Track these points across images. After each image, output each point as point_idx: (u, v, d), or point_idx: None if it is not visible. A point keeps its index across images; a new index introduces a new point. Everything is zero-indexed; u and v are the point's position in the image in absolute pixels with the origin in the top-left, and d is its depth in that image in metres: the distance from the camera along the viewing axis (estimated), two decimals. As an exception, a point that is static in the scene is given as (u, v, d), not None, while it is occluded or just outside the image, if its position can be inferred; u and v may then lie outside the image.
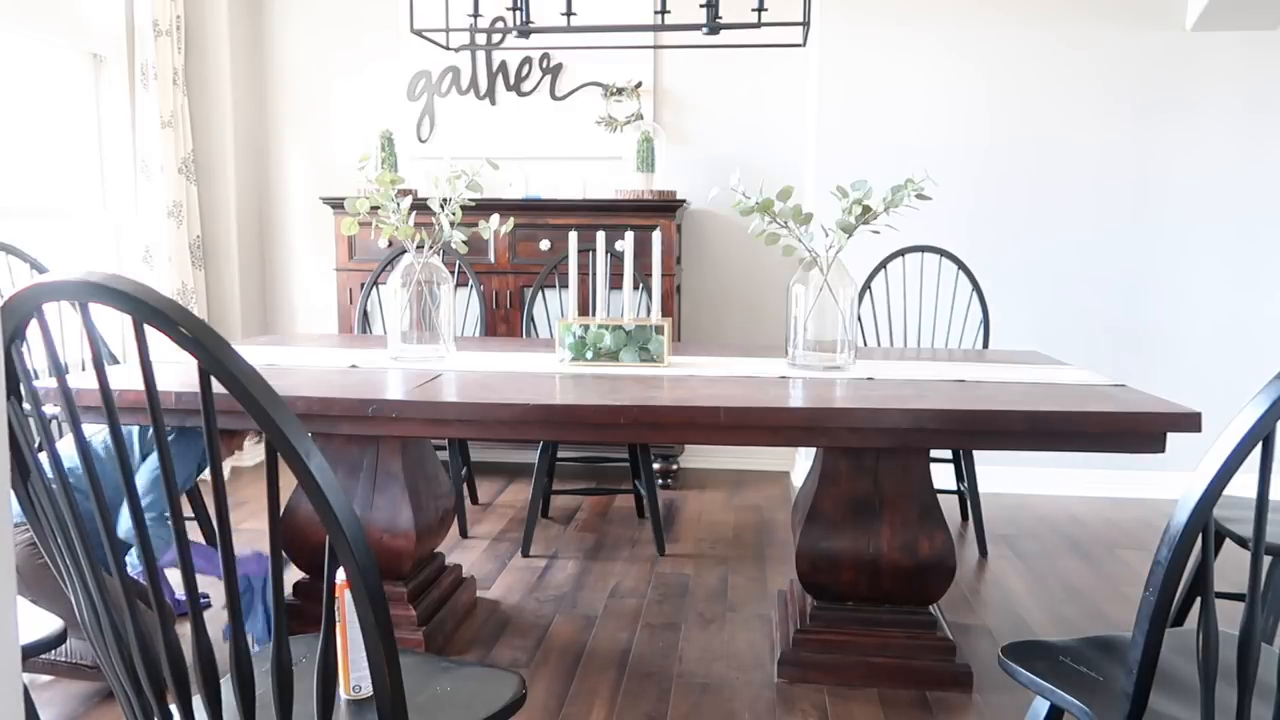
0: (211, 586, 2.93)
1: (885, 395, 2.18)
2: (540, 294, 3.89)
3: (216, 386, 0.89)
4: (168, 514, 1.64)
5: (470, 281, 3.88)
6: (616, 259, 3.49)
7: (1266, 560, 2.27)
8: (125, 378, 2.29)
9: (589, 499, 4.03)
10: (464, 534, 3.56)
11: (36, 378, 2.40)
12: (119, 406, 2.13)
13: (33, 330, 0.97)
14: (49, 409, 2.44)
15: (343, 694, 1.36)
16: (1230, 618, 2.72)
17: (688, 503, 4.03)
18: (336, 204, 4.16)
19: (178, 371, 2.39)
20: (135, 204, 4.08)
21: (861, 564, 2.36)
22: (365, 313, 3.72)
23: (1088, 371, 2.59)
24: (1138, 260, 4.06)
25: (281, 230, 4.70)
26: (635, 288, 2.73)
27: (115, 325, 3.96)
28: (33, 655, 1.46)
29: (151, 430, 1.47)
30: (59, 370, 0.98)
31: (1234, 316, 4.04)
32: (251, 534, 3.51)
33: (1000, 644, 2.45)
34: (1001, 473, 4.17)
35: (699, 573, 3.20)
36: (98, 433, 2.38)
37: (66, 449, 2.35)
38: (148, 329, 0.90)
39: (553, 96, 4.44)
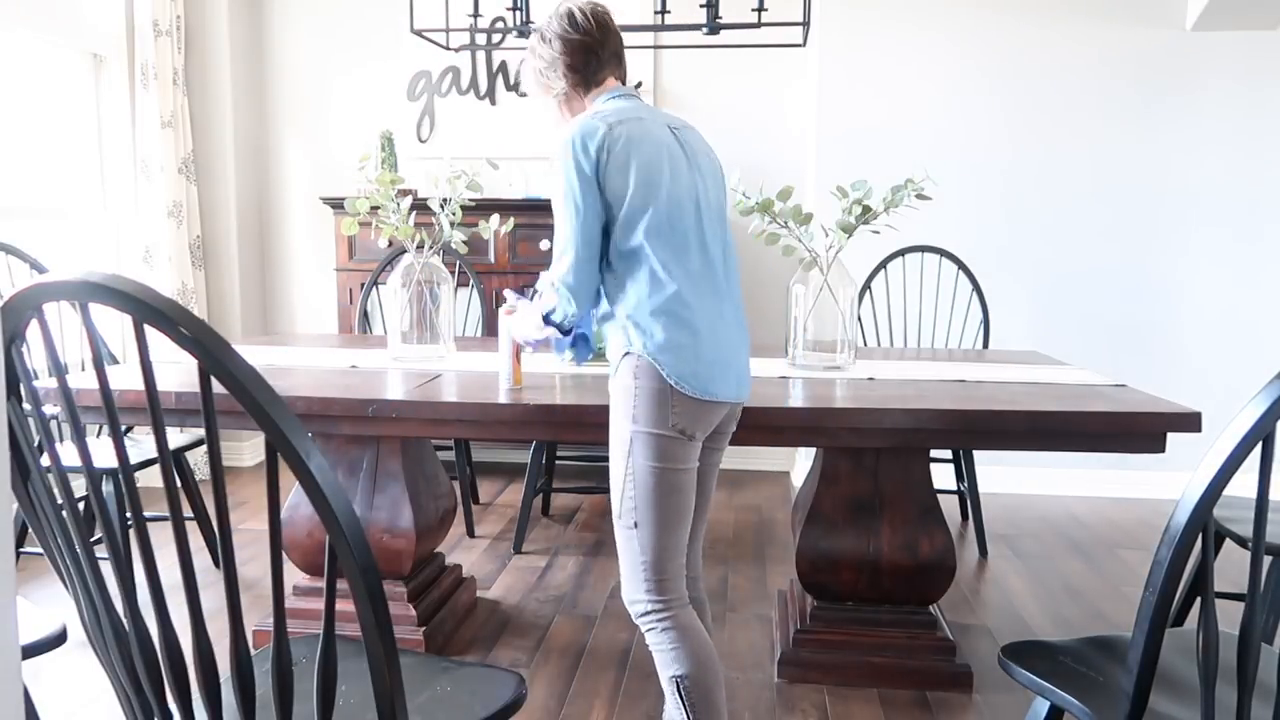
0: (211, 587, 2.93)
1: (885, 395, 2.18)
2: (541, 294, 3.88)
3: (216, 386, 0.89)
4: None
5: (470, 281, 3.88)
6: (616, 259, 3.48)
7: (1266, 560, 2.27)
8: (125, 378, 2.29)
9: (589, 498, 4.03)
10: (471, 533, 3.57)
11: (36, 378, 2.40)
12: (119, 406, 2.13)
13: (33, 330, 0.97)
14: (49, 409, 2.44)
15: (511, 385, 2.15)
16: (1230, 618, 2.72)
17: (688, 503, 4.02)
18: (336, 204, 4.16)
19: (178, 371, 2.39)
20: (135, 204, 4.08)
21: (861, 564, 2.36)
22: (365, 313, 3.72)
23: (1088, 371, 2.59)
24: (1137, 260, 4.06)
25: (281, 230, 4.70)
26: (635, 288, 2.72)
27: (115, 325, 3.96)
28: (33, 655, 1.46)
29: None
30: (59, 370, 0.98)
31: (1234, 316, 4.04)
32: (252, 534, 3.51)
33: (1000, 644, 2.45)
34: (1001, 473, 4.17)
35: (699, 573, 3.19)
36: None
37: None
38: (148, 329, 0.90)
39: (553, 96, 4.44)
